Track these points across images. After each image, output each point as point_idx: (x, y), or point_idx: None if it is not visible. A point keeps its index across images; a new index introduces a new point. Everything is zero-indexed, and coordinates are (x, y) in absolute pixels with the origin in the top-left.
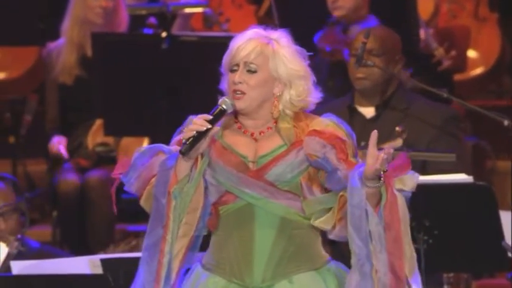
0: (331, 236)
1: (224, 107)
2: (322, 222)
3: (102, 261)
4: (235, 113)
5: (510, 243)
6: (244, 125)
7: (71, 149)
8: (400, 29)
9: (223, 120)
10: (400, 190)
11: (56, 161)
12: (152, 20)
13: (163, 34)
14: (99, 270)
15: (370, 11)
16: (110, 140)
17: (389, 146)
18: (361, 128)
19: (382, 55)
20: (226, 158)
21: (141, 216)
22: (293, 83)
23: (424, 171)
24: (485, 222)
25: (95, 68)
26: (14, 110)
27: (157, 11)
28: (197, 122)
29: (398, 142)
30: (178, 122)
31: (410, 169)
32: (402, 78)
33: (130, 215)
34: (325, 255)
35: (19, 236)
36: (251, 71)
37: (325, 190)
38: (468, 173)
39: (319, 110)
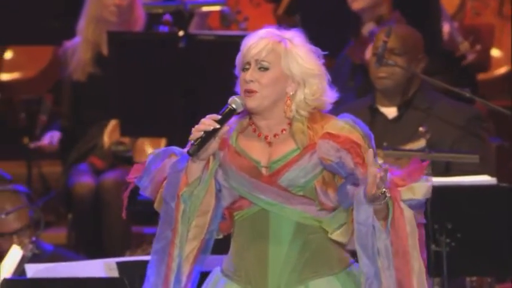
0: (349, 247)
1: (234, 106)
2: (338, 235)
3: (118, 264)
4: (250, 115)
5: None
6: (258, 126)
7: (85, 150)
8: (422, 27)
9: (238, 123)
10: (410, 199)
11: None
12: (167, 17)
13: (181, 33)
14: (114, 274)
15: (393, 8)
16: (126, 139)
17: (412, 147)
18: (383, 128)
19: (404, 54)
20: (239, 163)
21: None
22: (307, 81)
23: (447, 172)
24: (509, 225)
25: (111, 68)
26: (29, 110)
27: (174, 9)
28: (205, 122)
29: (421, 143)
30: (195, 123)
31: (423, 175)
32: (424, 78)
33: (147, 217)
34: (346, 258)
35: (34, 238)
36: (263, 68)
37: None
38: (492, 175)
39: (340, 110)
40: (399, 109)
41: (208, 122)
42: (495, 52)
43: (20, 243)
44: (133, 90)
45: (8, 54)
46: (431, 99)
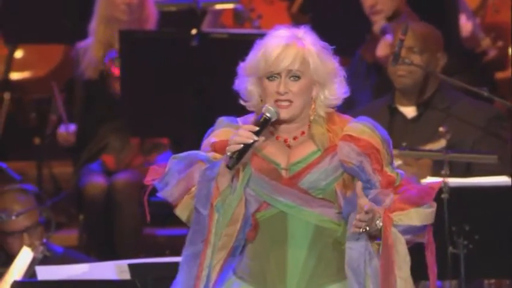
0: None
1: (268, 115)
2: None
3: (130, 266)
4: None
5: None
6: (277, 129)
7: (97, 149)
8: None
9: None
10: (405, 225)
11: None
12: None
13: (193, 31)
14: (126, 276)
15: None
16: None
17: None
18: (402, 128)
19: (423, 53)
20: (258, 165)
21: (170, 220)
22: (327, 82)
23: (468, 173)
24: None
25: (122, 67)
26: (40, 109)
27: (187, 7)
28: (243, 134)
29: (442, 143)
30: (207, 123)
31: (429, 201)
32: (441, 77)
33: (159, 218)
34: None
35: (44, 240)
36: (294, 77)
37: None
38: (510, 175)
39: (358, 111)
40: (418, 108)
41: (246, 135)
42: None
43: (31, 244)
44: (144, 90)
45: (19, 53)
46: (451, 99)
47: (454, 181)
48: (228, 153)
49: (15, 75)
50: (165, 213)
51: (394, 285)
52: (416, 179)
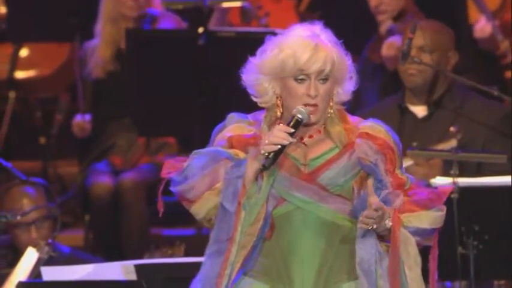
0: None
1: (300, 116)
2: None
3: (136, 266)
4: (281, 114)
5: None
6: None
7: (104, 148)
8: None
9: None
10: (415, 227)
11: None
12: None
13: (200, 30)
14: (132, 277)
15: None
16: None
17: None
18: (412, 128)
19: (434, 52)
20: (278, 161)
21: (177, 220)
22: (342, 80)
23: (479, 173)
24: None
25: (129, 66)
26: (45, 109)
27: (193, 5)
28: (279, 135)
29: (453, 143)
30: (214, 122)
31: (439, 204)
32: (451, 76)
33: (166, 218)
34: None
35: (50, 240)
36: (324, 80)
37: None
38: None
39: (368, 111)
40: (429, 108)
41: (282, 136)
42: None
43: (36, 244)
44: (151, 89)
45: (24, 52)
46: (462, 98)
47: (464, 181)
48: (264, 153)
49: (20, 74)
50: (171, 212)
51: (403, 285)
52: (426, 180)
